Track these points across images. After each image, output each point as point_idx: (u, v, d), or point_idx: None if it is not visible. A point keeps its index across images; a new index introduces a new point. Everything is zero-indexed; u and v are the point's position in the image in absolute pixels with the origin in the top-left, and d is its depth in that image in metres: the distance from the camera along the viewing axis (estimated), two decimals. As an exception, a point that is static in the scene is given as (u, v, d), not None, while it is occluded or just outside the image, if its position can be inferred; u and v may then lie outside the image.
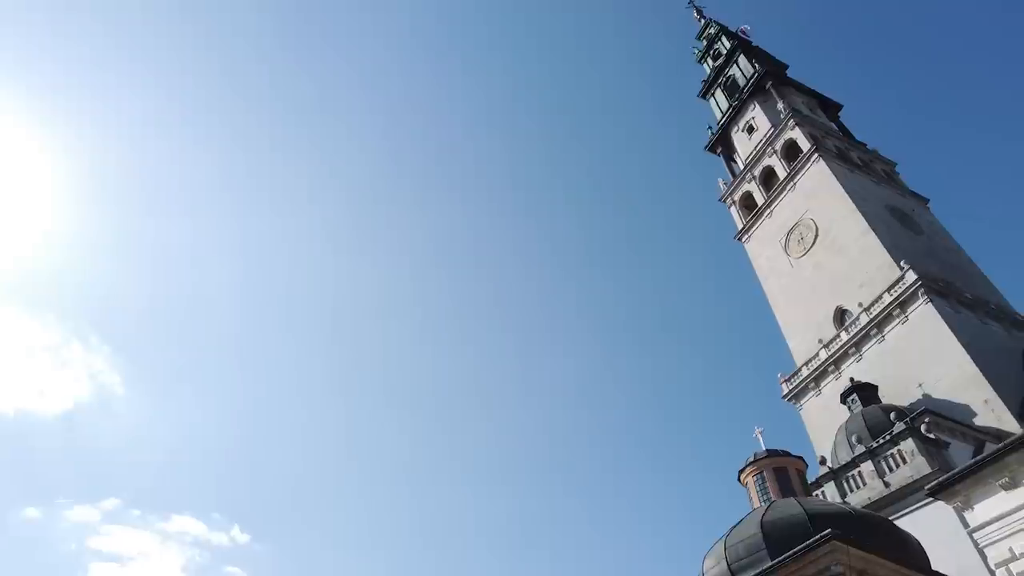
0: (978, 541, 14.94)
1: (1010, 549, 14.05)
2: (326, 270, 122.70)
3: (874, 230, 37.21)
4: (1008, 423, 26.94)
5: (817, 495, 24.82)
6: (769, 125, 49.92)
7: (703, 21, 65.29)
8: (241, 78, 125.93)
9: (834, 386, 35.11)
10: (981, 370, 29.03)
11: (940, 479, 16.05)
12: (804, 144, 45.00)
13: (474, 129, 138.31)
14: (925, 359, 31.51)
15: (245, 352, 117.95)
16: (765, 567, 15.66)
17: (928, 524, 20.19)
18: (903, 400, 30.77)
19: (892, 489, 23.65)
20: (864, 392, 31.92)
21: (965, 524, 15.72)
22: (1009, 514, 14.21)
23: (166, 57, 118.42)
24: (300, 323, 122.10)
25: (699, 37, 64.88)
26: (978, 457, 15.71)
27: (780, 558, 15.31)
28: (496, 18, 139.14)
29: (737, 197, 50.55)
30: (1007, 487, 14.29)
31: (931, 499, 17.19)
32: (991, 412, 28.04)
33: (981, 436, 26.68)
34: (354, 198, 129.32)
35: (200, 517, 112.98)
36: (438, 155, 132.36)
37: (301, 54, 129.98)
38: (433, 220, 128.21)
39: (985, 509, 14.70)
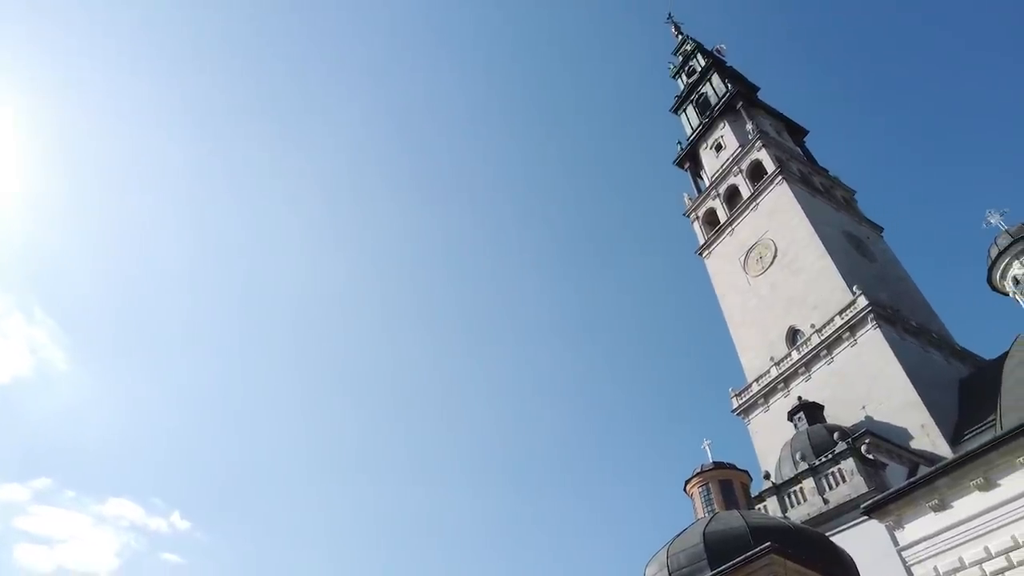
0: (907, 559, 15.47)
1: (935, 568, 14.60)
2: (302, 262, 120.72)
3: (830, 254, 38.36)
4: (941, 448, 28.10)
5: (760, 508, 25.47)
6: (737, 144, 50.99)
7: (680, 37, 66.39)
8: (238, 74, 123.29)
9: (782, 403, 36.04)
10: (920, 396, 30.19)
11: (875, 498, 16.59)
12: (769, 166, 46.09)
13: (465, 128, 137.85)
14: (870, 382, 32.59)
15: (198, 336, 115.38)
16: (705, 576, 16.04)
17: (862, 541, 20.93)
18: (847, 420, 31.80)
19: (830, 506, 24.45)
20: (810, 411, 32.78)
21: (896, 543, 16.28)
22: (937, 535, 14.76)
23: (152, 42, 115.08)
24: (259, 311, 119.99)
25: (675, 53, 65.96)
26: (911, 479, 16.29)
27: (720, 568, 15.72)
28: (477, 18, 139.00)
29: (701, 213, 51.49)
30: (936, 509, 14.86)
31: (866, 517, 17.78)
32: (927, 436, 29.20)
33: (916, 459, 27.77)
34: (329, 194, 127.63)
35: (139, 501, 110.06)
36: (412, 156, 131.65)
37: (295, 47, 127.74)
38: (402, 219, 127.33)
39: (915, 529, 15.22)
